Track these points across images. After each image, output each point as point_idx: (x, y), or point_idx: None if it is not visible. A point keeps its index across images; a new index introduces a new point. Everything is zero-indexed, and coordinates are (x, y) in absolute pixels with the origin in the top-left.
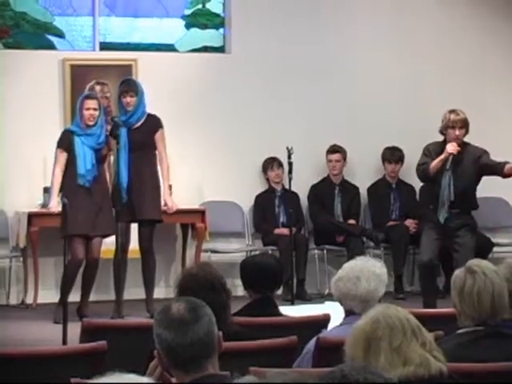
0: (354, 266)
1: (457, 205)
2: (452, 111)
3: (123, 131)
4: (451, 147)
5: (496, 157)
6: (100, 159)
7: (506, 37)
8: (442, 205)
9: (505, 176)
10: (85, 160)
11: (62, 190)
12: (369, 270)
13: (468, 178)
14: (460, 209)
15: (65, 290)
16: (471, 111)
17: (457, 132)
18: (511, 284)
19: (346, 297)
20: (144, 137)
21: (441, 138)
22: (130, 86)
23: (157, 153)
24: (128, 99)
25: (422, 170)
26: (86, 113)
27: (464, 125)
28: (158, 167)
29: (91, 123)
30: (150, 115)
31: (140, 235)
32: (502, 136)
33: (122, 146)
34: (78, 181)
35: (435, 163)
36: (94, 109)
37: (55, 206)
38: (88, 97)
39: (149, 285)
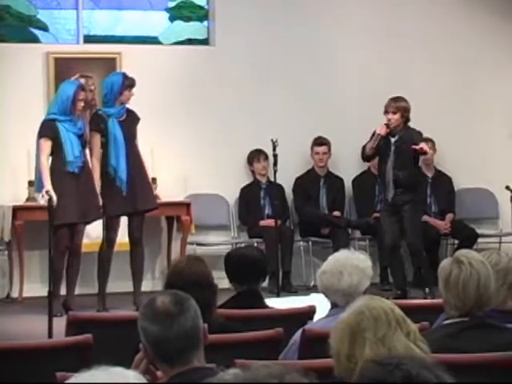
0: (338, 259)
1: (400, 184)
2: (391, 98)
3: (114, 123)
4: (379, 129)
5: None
6: (83, 145)
7: (502, 36)
8: (388, 184)
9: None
10: (72, 146)
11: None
12: (352, 264)
13: (407, 159)
14: (403, 187)
15: (56, 280)
16: (461, 107)
17: (389, 116)
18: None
19: (329, 290)
20: (132, 128)
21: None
22: (134, 81)
23: None
24: (132, 93)
25: (361, 151)
26: (79, 104)
27: (397, 110)
28: None
29: (79, 113)
30: (127, 108)
31: (131, 226)
32: (495, 136)
33: (118, 138)
34: (68, 168)
35: (368, 143)
36: (84, 100)
37: (51, 189)
38: (83, 88)
39: (137, 278)
